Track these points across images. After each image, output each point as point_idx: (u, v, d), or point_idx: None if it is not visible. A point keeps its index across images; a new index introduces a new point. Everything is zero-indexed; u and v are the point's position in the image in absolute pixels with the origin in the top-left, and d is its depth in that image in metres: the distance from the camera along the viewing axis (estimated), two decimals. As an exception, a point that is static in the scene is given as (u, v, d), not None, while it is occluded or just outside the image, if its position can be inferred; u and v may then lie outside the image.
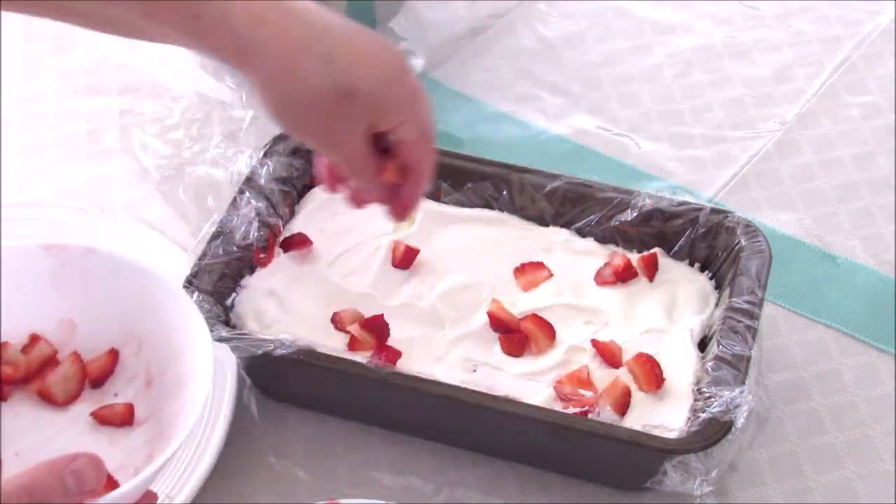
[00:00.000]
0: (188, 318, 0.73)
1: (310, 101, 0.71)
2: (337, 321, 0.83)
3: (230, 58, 0.70)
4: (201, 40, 0.69)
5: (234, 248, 0.85)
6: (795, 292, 0.91)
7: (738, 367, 0.77)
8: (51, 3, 0.70)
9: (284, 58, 0.69)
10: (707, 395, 0.75)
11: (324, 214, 0.90)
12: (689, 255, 0.87)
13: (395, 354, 0.80)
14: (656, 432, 0.75)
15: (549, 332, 0.82)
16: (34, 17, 0.73)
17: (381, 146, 0.75)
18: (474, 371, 0.81)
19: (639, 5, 1.15)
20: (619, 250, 0.87)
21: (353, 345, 0.81)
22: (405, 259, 0.86)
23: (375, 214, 0.89)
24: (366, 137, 0.73)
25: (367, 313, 0.83)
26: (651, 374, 0.78)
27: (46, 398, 0.77)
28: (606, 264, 0.86)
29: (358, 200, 0.80)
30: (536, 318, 0.82)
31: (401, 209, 0.79)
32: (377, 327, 0.82)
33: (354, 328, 0.81)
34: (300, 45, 0.69)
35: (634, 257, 0.86)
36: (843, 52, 1.10)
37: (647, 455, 0.75)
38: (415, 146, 0.75)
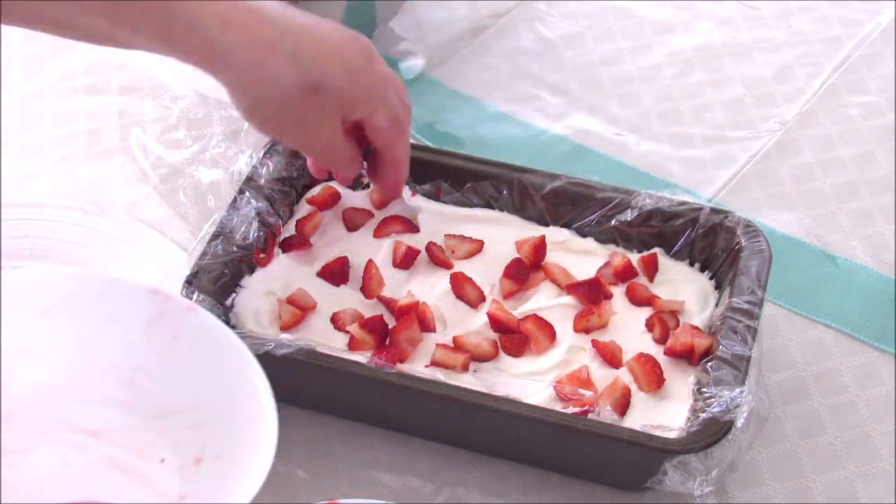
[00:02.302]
0: (263, 416, 0.72)
1: (279, 99, 0.72)
2: (337, 321, 0.83)
3: (201, 62, 0.71)
4: (172, 46, 0.71)
5: (234, 248, 0.85)
6: (795, 292, 0.91)
7: (738, 367, 0.77)
8: (20, 10, 0.70)
9: (252, 58, 0.71)
10: (707, 395, 0.75)
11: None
12: (689, 255, 0.87)
13: (396, 354, 0.80)
14: (656, 432, 0.75)
15: (549, 332, 0.82)
16: (2, 25, 0.73)
17: (361, 134, 0.78)
18: (474, 371, 0.81)
19: (639, 5, 1.15)
20: (619, 250, 0.87)
21: (353, 345, 0.81)
22: (406, 259, 0.86)
23: (376, 216, 0.89)
24: (339, 128, 0.75)
25: (367, 313, 0.83)
26: (651, 373, 0.78)
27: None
28: (606, 264, 0.86)
29: (344, 181, 0.84)
30: (536, 318, 0.82)
31: (385, 192, 0.83)
32: (377, 327, 0.81)
33: (354, 328, 0.81)
34: (266, 44, 0.71)
35: (634, 257, 0.86)
36: (843, 52, 1.10)
37: (647, 455, 0.75)
38: (387, 131, 0.77)
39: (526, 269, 0.86)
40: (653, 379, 0.78)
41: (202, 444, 0.75)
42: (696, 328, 0.81)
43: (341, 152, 0.77)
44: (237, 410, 0.74)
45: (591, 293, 0.84)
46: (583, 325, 0.82)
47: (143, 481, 0.74)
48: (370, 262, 0.85)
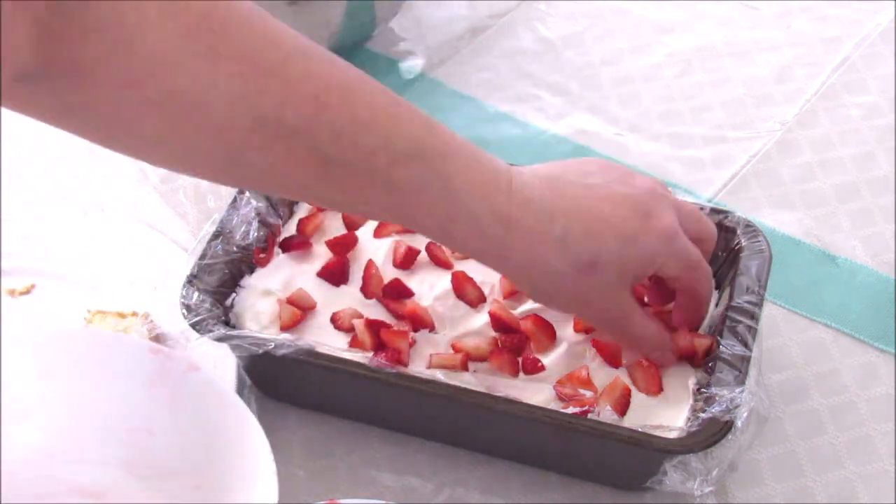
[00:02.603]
0: (263, 476, 0.71)
1: (556, 284, 0.73)
2: (337, 321, 0.83)
3: (481, 258, 0.73)
4: (450, 240, 0.73)
5: (234, 248, 0.85)
6: (795, 292, 0.91)
7: (738, 367, 0.77)
8: (307, 197, 0.77)
9: (527, 252, 0.71)
10: (707, 395, 0.75)
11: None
12: (689, 255, 0.87)
13: (396, 354, 0.80)
14: (656, 432, 0.75)
15: (549, 332, 0.82)
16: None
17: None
18: (474, 371, 0.81)
19: (639, 5, 1.15)
20: (620, 250, 0.87)
21: (354, 344, 0.81)
22: (406, 259, 0.86)
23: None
24: (629, 297, 0.75)
25: (367, 313, 0.83)
26: (652, 379, 0.78)
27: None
28: (606, 264, 0.86)
29: (667, 362, 0.80)
30: (537, 318, 0.82)
31: (678, 324, 0.80)
32: (378, 327, 0.81)
33: (359, 324, 0.81)
34: (538, 236, 0.71)
35: (634, 257, 0.86)
36: (843, 52, 1.10)
37: (647, 455, 0.75)
38: (683, 279, 0.76)
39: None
40: (653, 384, 0.78)
41: None
42: (693, 330, 0.81)
43: (638, 325, 0.76)
44: (237, 471, 0.74)
45: None
46: (583, 325, 0.82)
47: None
48: (370, 262, 0.85)
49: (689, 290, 0.78)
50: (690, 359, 0.79)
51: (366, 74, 0.70)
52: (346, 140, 0.67)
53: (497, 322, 0.82)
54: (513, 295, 0.84)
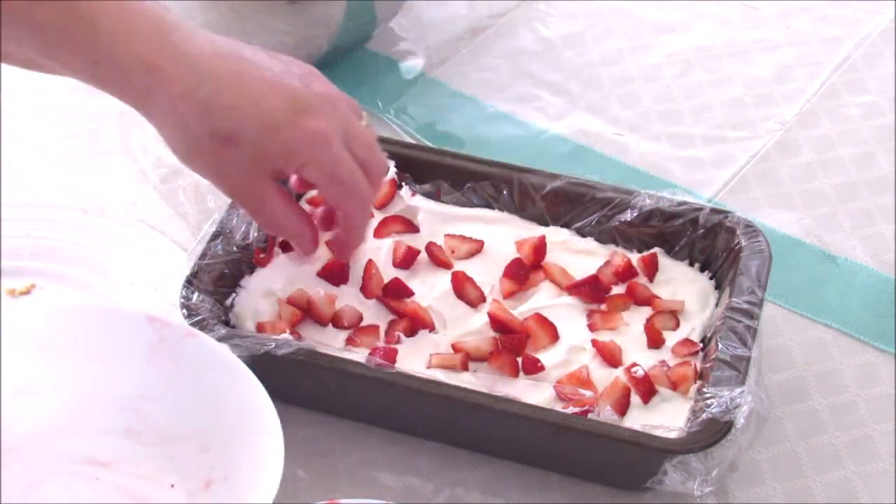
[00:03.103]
0: (267, 429, 0.72)
1: (193, 146, 0.72)
2: (336, 320, 0.83)
3: (128, 102, 0.72)
4: (100, 84, 0.71)
5: (234, 248, 0.85)
6: (795, 292, 0.91)
7: (738, 367, 0.77)
8: None
9: (168, 105, 0.70)
10: (707, 395, 0.75)
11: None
12: (689, 255, 0.87)
13: (392, 353, 0.80)
14: (656, 432, 0.75)
15: (551, 331, 0.82)
16: None
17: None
18: (474, 371, 0.81)
19: (639, 5, 1.15)
20: (619, 250, 0.87)
21: (352, 342, 0.81)
22: (406, 259, 0.86)
23: (376, 216, 0.89)
24: (267, 182, 0.73)
25: (367, 313, 0.83)
26: (646, 392, 0.78)
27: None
28: (606, 264, 0.86)
29: (304, 255, 0.82)
30: (539, 317, 0.82)
31: (338, 250, 0.80)
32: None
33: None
34: (182, 91, 0.70)
35: (634, 257, 0.86)
36: (843, 52, 1.10)
37: (647, 455, 0.75)
38: (326, 189, 0.75)
39: (526, 269, 0.86)
40: (646, 392, 0.78)
41: (210, 467, 0.75)
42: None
43: (274, 210, 0.75)
44: (242, 430, 0.74)
45: (594, 292, 0.84)
46: (594, 326, 0.83)
47: None
48: (370, 262, 0.85)
49: (336, 204, 0.77)
50: (676, 386, 0.79)
51: None
52: None
53: (496, 322, 0.82)
54: (513, 295, 0.85)
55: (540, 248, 0.86)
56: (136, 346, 0.77)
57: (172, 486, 0.75)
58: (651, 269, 0.86)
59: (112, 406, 0.78)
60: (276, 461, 0.71)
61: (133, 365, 0.77)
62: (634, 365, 0.79)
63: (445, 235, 0.87)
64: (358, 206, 0.78)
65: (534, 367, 0.80)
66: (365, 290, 0.85)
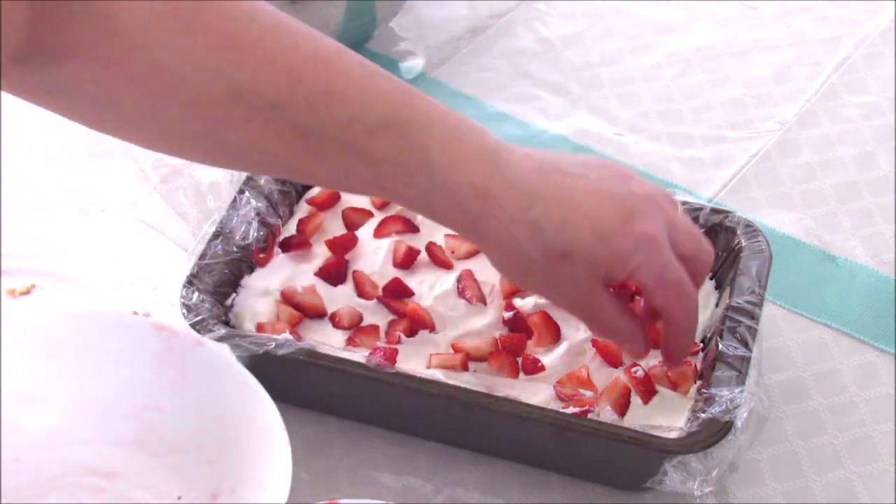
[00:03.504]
0: (275, 443, 0.72)
1: (528, 267, 0.72)
2: (336, 320, 0.83)
3: (457, 228, 0.72)
4: (431, 213, 0.71)
5: (234, 248, 0.85)
6: (795, 292, 0.91)
7: (738, 367, 0.77)
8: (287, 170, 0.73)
9: (502, 230, 0.70)
10: (707, 395, 0.75)
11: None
12: (689, 255, 0.87)
13: (392, 353, 0.80)
14: (656, 432, 0.75)
15: (554, 330, 0.82)
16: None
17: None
18: (474, 371, 0.81)
19: (639, 5, 1.15)
20: (620, 250, 0.87)
21: (352, 342, 0.81)
22: (406, 259, 0.86)
23: (376, 216, 0.89)
24: (600, 290, 0.73)
25: (366, 313, 0.83)
26: (646, 392, 0.78)
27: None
28: (606, 264, 0.86)
29: (635, 355, 0.79)
30: (545, 315, 0.82)
31: (667, 358, 0.78)
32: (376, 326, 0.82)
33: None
34: (513, 215, 0.70)
35: (634, 257, 0.86)
36: (843, 52, 1.10)
37: (647, 455, 0.75)
38: (654, 293, 0.73)
39: (526, 269, 0.86)
40: (646, 392, 0.78)
41: (218, 478, 0.74)
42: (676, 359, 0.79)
43: (601, 312, 0.74)
44: (250, 441, 0.74)
45: None
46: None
47: None
48: (355, 272, 0.85)
49: (664, 308, 0.74)
50: (676, 386, 0.79)
51: (345, 47, 0.70)
52: (322, 110, 0.67)
53: (516, 320, 0.82)
54: (513, 295, 0.85)
55: None
56: (143, 355, 0.77)
57: (180, 498, 0.75)
58: (651, 269, 0.86)
59: (118, 415, 0.77)
60: (283, 476, 0.71)
61: (140, 374, 0.77)
62: (634, 365, 0.79)
63: (445, 235, 0.87)
64: (685, 309, 0.75)
65: (534, 367, 0.80)
66: (360, 293, 0.85)
